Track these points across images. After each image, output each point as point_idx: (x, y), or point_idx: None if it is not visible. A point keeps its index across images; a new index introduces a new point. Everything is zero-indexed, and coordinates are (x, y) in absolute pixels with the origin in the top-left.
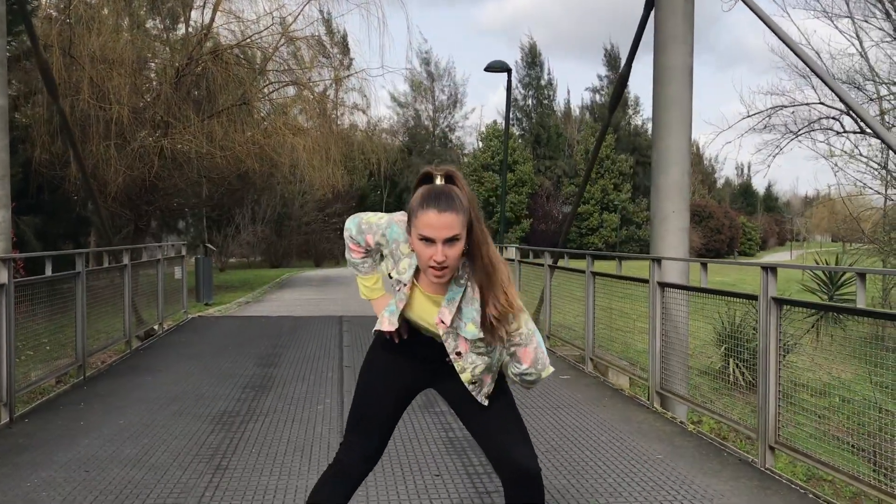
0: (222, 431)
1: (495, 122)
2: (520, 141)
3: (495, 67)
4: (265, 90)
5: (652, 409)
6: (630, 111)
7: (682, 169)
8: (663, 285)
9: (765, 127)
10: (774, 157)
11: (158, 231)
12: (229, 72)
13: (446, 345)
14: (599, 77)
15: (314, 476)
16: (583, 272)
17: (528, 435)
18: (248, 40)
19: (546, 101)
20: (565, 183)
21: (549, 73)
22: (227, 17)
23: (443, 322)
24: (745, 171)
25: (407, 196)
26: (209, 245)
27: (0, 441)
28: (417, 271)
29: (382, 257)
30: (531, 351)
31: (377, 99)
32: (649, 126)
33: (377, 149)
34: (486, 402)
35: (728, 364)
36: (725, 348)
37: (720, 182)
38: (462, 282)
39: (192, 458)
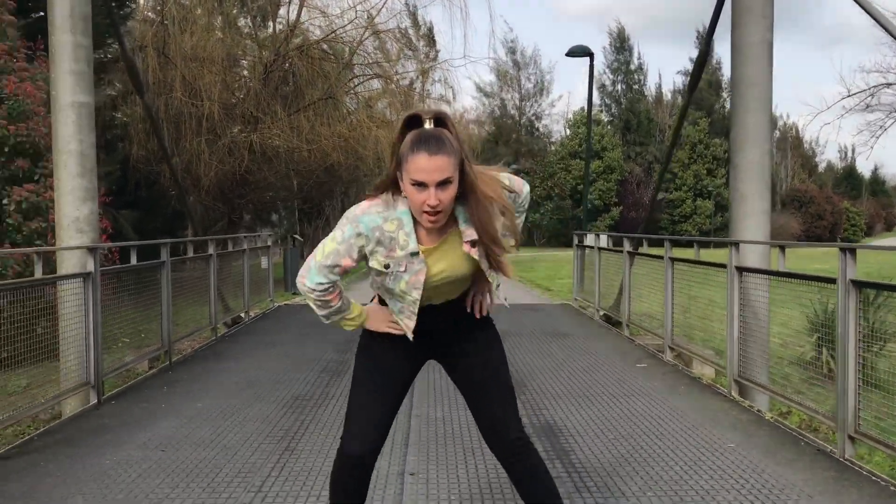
0: (294, 414)
1: (582, 109)
2: (608, 127)
3: (577, 52)
4: (351, 84)
5: (729, 397)
6: (724, 94)
7: (762, 149)
8: (741, 270)
9: (867, 107)
10: (878, 137)
11: (252, 224)
12: (315, 66)
13: (483, 265)
14: (691, 60)
15: (379, 458)
16: (662, 258)
17: (516, 406)
18: (333, 35)
19: (636, 86)
20: (656, 169)
21: (638, 58)
22: (312, 12)
23: (471, 243)
24: (849, 153)
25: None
26: (297, 236)
27: (87, 421)
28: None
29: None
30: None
31: (462, 90)
32: None
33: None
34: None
35: (821, 353)
36: (818, 337)
37: (822, 166)
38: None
39: (262, 439)
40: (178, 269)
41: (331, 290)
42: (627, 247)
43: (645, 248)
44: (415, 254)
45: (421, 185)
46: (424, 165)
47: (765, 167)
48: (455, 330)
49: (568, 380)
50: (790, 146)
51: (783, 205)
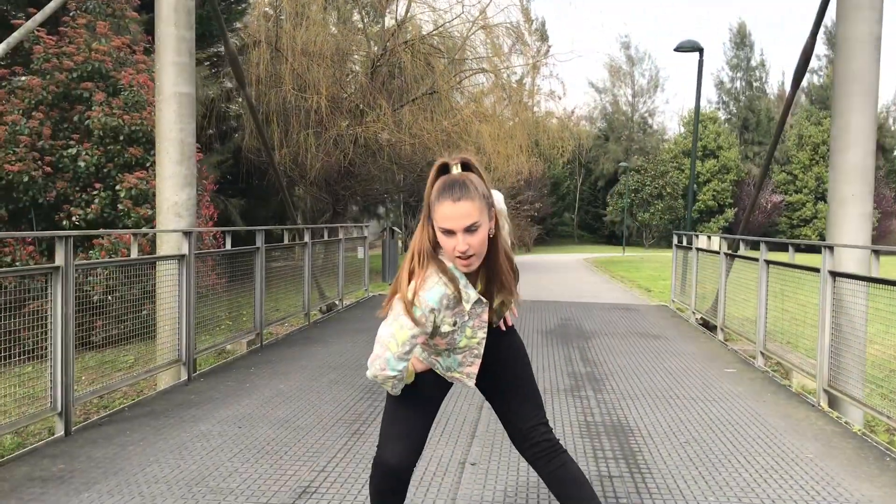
0: (368, 400)
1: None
2: (725, 125)
3: (685, 47)
4: (456, 79)
5: (818, 408)
6: (833, 84)
7: (864, 149)
8: (835, 274)
9: None
10: None
11: (360, 215)
12: (421, 61)
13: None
14: (818, 57)
15: (444, 447)
16: (756, 261)
17: (543, 407)
18: (441, 29)
19: (757, 84)
20: (776, 170)
21: (760, 54)
22: (420, 6)
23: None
24: None
25: (601, 182)
26: (395, 228)
27: (175, 396)
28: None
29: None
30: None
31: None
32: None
33: (570, 136)
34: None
35: None
36: None
37: None
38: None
39: (335, 422)
40: (274, 258)
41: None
42: (724, 248)
43: (742, 251)
44: (478, 301)
45: (450, 232)
46: (450, 213)
47: (867, 168)
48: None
49: (650, 381)
50: None
51: None
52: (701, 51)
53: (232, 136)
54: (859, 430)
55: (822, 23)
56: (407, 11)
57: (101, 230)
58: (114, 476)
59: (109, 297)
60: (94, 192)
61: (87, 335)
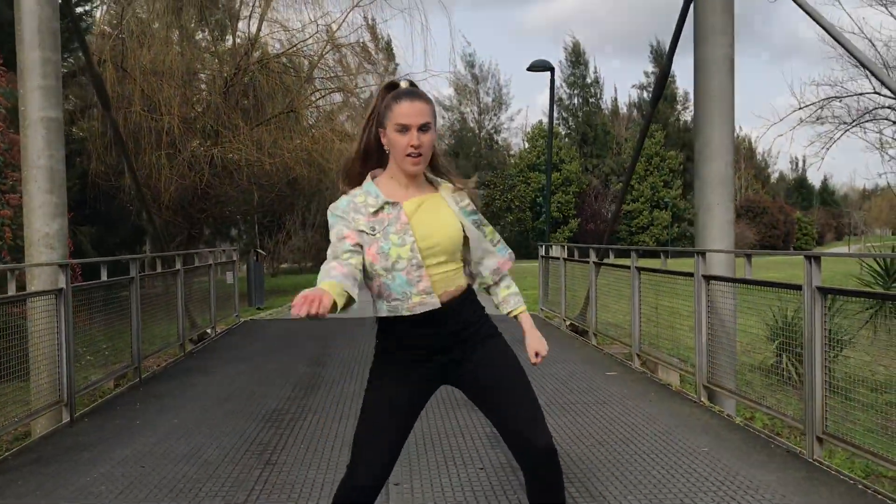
0: (272, 429)
1: (541, 122)
2: (566, 140)
3: (538, 66)
4: (312, 97)
5: (699, 403)
6: (679, 107)
7: (725, 161)
8: (708, 278)
9: (817, 119)
10: (828, 149)
11: (211, 238)
12: (276, 80)
13: (465, 223)
14: (646, 74)
15: None
16: (629, 268)
17: (542, 412)
18: (294, 49)
19: (592, 100)
20: (613, 181)
21: (595, 72)
22: (272, 26)
23: (457, 202)
24: (800, 164)
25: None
26: (260, 251)
27: (61, 439)
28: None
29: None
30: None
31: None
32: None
33: None
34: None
35: (781, 359)
36: (778, 343)
37: (774, 176)
38: (446, 182)
39: (242, 454)
40: (143, 285)
41: (352, 254)
42: (594, 257)
43: (611, 259)
44: (389, 203)
45: (405, 128)
46: (407, 110)
47: (729, 178)
48: (462, 343)
49: (541, 389)
50: (743, 157)
51: (738, 215)
52: (552, 70)
53: (75, 161)
54: (741, 422)
55: (677, 45)
56: (258, 30)
57: None
58: None
59: None
60: None
61: None
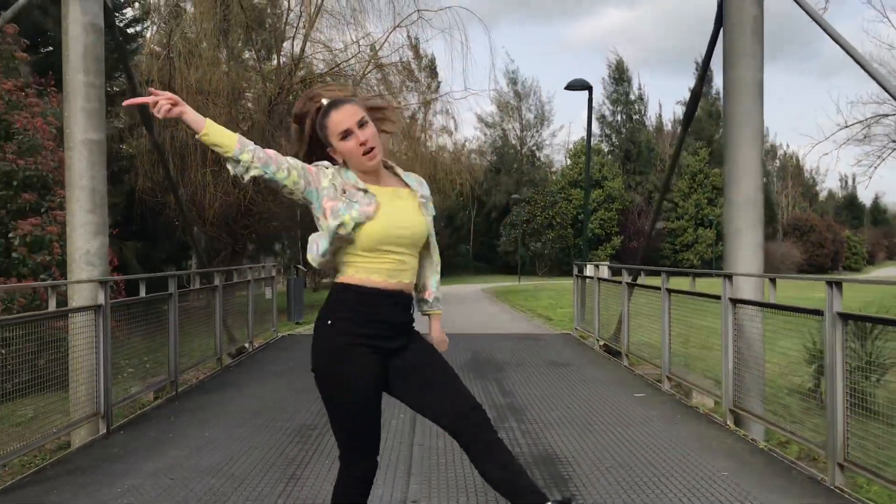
0: (299, 443)
1: (583, 139)
2: (609, 157)
3: (576, 86)
4: None
5: (725, 427)
6: (723, 125)
7: (754, 183)
8: (735, 301)
9: (864, 137)
10: (875, 168)
11: (255, 253)
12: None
13: (429, 227)
14: (690, 90)
15: (382, 484)
16: (659, 289)
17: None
18: (337, 68)
19: (636, 117)
20: (657, 199)
21: (639, 88)
22: (315, 46)
23: (422, 195)
24: (850, 182)
25: (494, 213)
26: (300, 266)
27: (97, 450)
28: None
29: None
30: None
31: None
32: None
33: (462, 169)
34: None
35: (819, 383)
36: (816, 367)
37: (823, 194)
38: (411, 175)
39: (268, 467)
40: (183, 300)
41: (291, 168)
42: (626, 278)
43: (643, 279)
44: (364, 190)
45: (347, 133)
46: (339, 117)
47: (758, 201)
48: (401, 325)
49: (566, 409)
50: (790, 175)
51: (784, 234)
52: (590, 89)
53: (124, 178)
54: (765, 446)
55: (709, 66)
56: (302, 51)
57: (18, 284)
58: None
59: (2, 351)
60: None
61: None
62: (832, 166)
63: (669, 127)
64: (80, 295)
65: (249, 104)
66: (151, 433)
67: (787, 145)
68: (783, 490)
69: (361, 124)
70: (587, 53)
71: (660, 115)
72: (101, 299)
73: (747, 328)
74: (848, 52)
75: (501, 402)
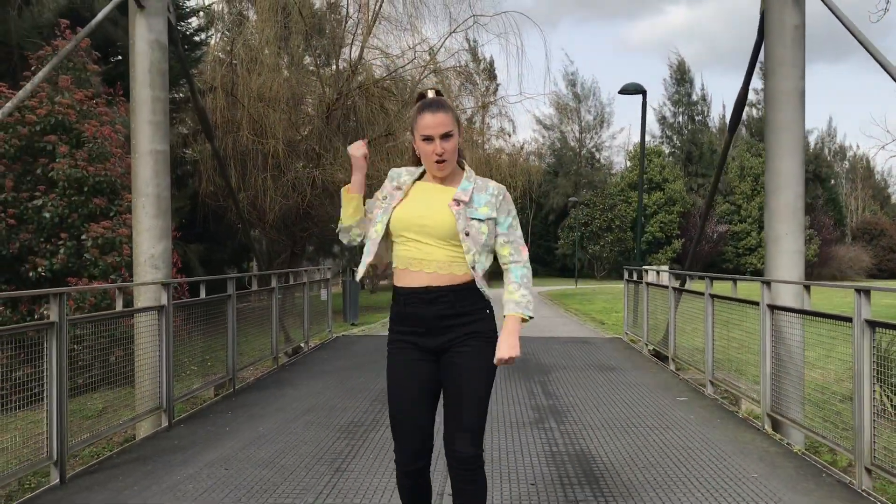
0: (346, 439)
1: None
2: (670, 158)
3: (630, 90)
4: (409, 120)
5: (762, 431)
6: (765, 133)
7: (795, 192)
8: (773, 308)
9: None
10: None
11: (315, 255)
12: (376, 104)
13: (457, 224)
14: (756, 91)
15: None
16: (702, 294)
17: (480, 424)
18: (395, 73)
19: (699, 118)
20: (720, 201)
21: (702, 89)
22: (373, 52)
23: (457, 202)
24: None
25: (552, 216)
26: (355, 268)
27: (159, 442)
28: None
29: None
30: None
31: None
32: (811, 139)
33: (520, 172)
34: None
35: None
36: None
37: (895, 197)
38: (471, 178)
39: (316, 461)
40: (241, 301)
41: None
42: (673, 282)
43: (688, 285)
44: (399, 188)
45: (428, 138)
46: (429, 122)
47: (798, 209)
48: (449, 325)
49: (608, 411)
50: (860, 177)
51: (853, 238)
52: (644, 93)
53: (188, 182)
54: (799, 451)
55: (753, 73)
56: (360, 57)
57: (91, 286)
58: None
59: (76, 347)
60: (60, 243)
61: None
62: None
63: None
64: (145, 296)
65: (310, 109)
66: (209, 427)
67: (858, 146)
68: (809, 492)
69: (445, 136)
70: (650, 53)
71: (723, 116)
72: (164, 300)
73: (787, 334)
74: (883, 66)
75: (544, 403)
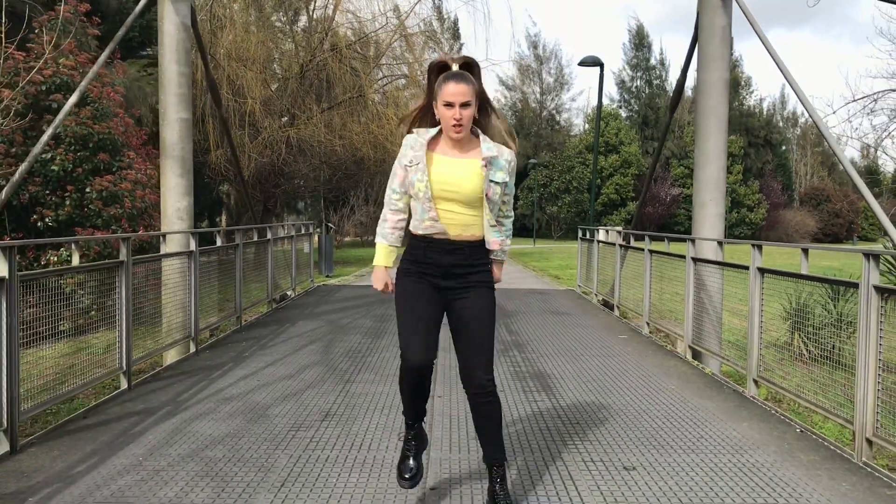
0: (349, 361)
1: (602, 104)
2: (626, 122)
3: (588, 62)
4: (380, 82)
5: (684, 359)
6: (743, 91)
7: (718, 165)
8: (696, 260)
9: (871, 112)
10: (882, 140)
11: (281, 211)
12: (346, 66)
13: (483, 185)
14: (675, 82)
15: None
16: (642, 251)
17: (492, 357)
18: (365, 37)
19: (657, 82)
20: (674, 165)
21: (661, 53)
22: (345, 15)
23: (486, 161)
24: (872, 152)
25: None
26: (330, 224)
27: (193, 363)
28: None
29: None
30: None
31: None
32: (764, 106)
33: None
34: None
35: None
36: (790, 323)
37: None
38: (489, 144)
39: (328, 376)
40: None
41: (398, 204)
42: (619, 240)
43: (632, 243)
44: (426, 148)
45: (450, 105)
46: (453, 90)
47: (720, 180)
48: (461, 273)
49: (560, 344)
50: (810, 144)
51: (801, 203)
52: (601, 65)
53: None
54: (710, 372)
55: (689, 66)
56: (331, 20)
57: (127, 234)
58: (183, 412)
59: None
60: (66, 195)
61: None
62: (845, 139)
63: (691, 93)
64: (173, 243)
65: (278, 69)
66: (231, 353)
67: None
68: (712, 398)
69: (464, 105)
70: (615, 14)
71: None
72: (192, 246)
73: (708, 282)
74: (781, 71)
75: (508, 339)
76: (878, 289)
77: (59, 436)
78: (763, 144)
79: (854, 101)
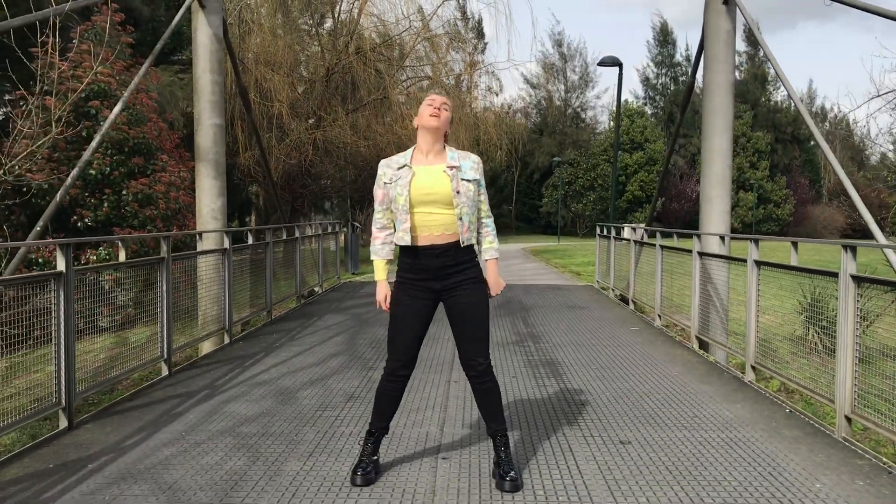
0: (372, 350)
1: (627, 101)
2: (652, 119)
3: (607, 62)
4: (404, 84)
5: (691, 349)
6: (770, 87)
7: (724, 163)
8: (702, 254)
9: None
10: None
11: (308, 210)
12: (371, 67)
13: (451, 184)
14: (738, 53)
15: (436, 373)
16: (654, 246)
17: (487, 343)
18: (389, 40)
19: (682, 79)
20: (700, 161)
21: (686, 49)
22: (370, 19)
23: (451, 167)
24: None
25: (537, 175)
26: (356, 223)
27: (226, 353)
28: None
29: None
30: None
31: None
32: (791, 104)
33: (505, 131)
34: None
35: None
36: (805, 316)
37: (874, 158)
38: (454, 151)
39: (351, 365)
40: (276, 251)
41: (383, 221)
42: (634, 237)
43: (645, 239)
44: (407, 165)
45: (430, 103)
46: (434, 96)
47: (726, 177)
48: (451, 273)
49: (574, 336)
50: (840, 139)
51: (830, 198)
52: (620, 66)
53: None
54: (714, 360)
55: (698, 68)
56: (357, 22)
57: (168, 233)
58: (219, 395)
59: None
60: (104, 197)
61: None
62: (875, 130)
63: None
64: (208, 241)
65: (305, 72)
66: (262, 344)
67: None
68: (711, 383)
69: (443, 105)
70: (639, 10)
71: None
72: (226, 244)
73: (714, 275)
74: (778, 74)
75: (524, 331)
76: (854, 277)
77: (109, 415)
78: (790, 140)
79: (878, 95)
